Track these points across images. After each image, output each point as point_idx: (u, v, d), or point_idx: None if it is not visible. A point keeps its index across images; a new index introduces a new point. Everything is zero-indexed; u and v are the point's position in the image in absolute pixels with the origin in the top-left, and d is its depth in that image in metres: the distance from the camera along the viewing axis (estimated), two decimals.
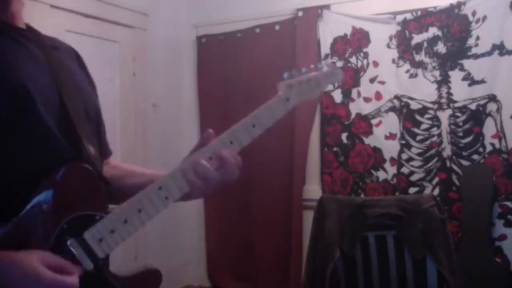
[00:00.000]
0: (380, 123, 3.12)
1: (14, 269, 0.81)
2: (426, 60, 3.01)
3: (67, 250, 0.88)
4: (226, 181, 0.99)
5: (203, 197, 1.02)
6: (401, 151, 3.06)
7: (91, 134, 1.02)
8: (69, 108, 0.96)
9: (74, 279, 0.84)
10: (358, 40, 3.19)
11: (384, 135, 3.11)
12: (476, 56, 2.87)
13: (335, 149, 3.25)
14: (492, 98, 2.84)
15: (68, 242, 0.88)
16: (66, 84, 0.99)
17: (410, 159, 3.04)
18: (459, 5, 2.91)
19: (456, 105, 2.92)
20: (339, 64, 3.24)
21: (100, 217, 0.92)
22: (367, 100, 3.16)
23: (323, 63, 1.15)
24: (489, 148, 2.83)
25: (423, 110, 3.01)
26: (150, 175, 1.08)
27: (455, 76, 2.93)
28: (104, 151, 1.13)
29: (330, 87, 3.25)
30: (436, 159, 2.97)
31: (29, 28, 1.05)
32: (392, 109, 3.09)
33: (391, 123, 3.09)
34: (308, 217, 2.95)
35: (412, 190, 3.02)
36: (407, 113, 3.05)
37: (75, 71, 1.08)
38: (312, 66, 1.12)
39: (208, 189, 0.98)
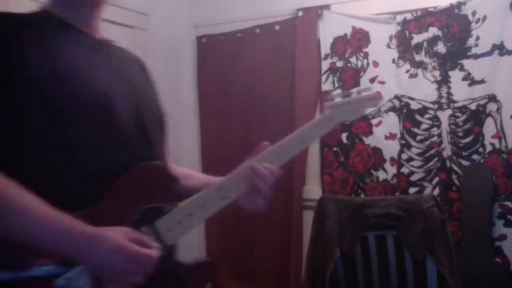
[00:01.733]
0: (380, 123, 3.12)
1: (100, 242, 0.91)
2: (426, 60, 3.01)
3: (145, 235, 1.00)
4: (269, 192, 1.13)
5: (258, 209, 1.14)
6: (401, 151, 3.06)
7: (160, 138, 1.15)
8: (143, 115, 1.09)
9: (154, 252, 0.96)
10: (358, 40, 3.19)
11: (384, 135, 3.11)
12: (476, 56, 2.87)
13: (335, 149, 3.25)
14: (492, 98, 2.84)
15: (143, 229, 1.01)
16: (139, 93, 1.12)
17: (410, 159, 3.04)
18: (459, 5, 2.91)
19: (456, 105, 2.92)
20: (339, 64, 3.24)
21: (169, 209, 1.05)
22: None
23: (365, 88, 1.23)
24: (489, 148, 2.83)
25: (423, 110, 3.01)
26: (202, 179, 1.23)
27: (455, 76, 2.93)
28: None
29: (329, 87, 3.26)
30: (436, 159, 2.97)
31: (108, 42, 1.18)
32: (392, 109, 3.09)
33: (391, 123, 3.09)
34: (308, 217, 2.95)
35: (412, 190, 3.01)
36: (407, 113, 3.05)
37: (143, 81, 1.22)
38: (354, 89, 1.21)
39: (264, 197, 1.13)
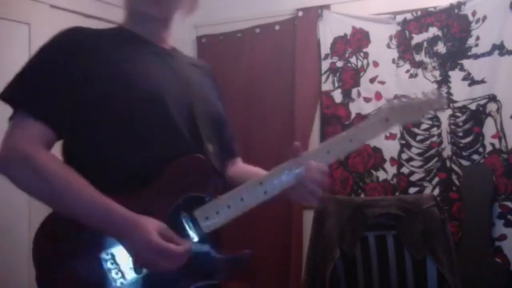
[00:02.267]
0: None
1: (133, 229, 1.01)
2: (426, 60, 3.01)
3: (180, 222, 1.10)
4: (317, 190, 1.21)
5: (303, 203, 1.17)
6: (401, 151, 3.06)
7: (212, 135, 1.23)
8: (195, 113, 1.19)
9: (181, 249, 1.03)
10: (358, 40, 3.19)
11: (384, 135, 3.10)
12: (476, 56, 2.87)
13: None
14: (492, 98, 2.84)
15: (182, 216, 1.09)
16: (195, 94, 1.23)
17: (410, 159, 3.04)
18: (459, 5, 2.91)
19: (456, 105, 2.92)
20: (339, 64, 3.24)
21: (209, 199, 1.13)
22: (367, 100, 3.15)
23: (430, 91, 1.26)
24: (489, 148, 2.83)
25: None
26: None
27: (455, 76, 2.92)
28: (230, 152, 1.37)
29: (329, 87, 3.26)
30: (436, 159, 2.97)
31: (174, 50, 1.31)
32: None
33: None
34: (308, 217, 2.95)
35: (412, 190, 3.01)
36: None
37: (205, 84, 1.33)
38: (420, 92, 1.24)
39: (314, 190, 1.21)
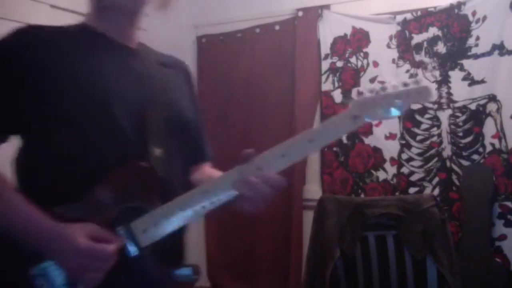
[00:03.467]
0: (380, 123, 3.12)
1: (59, 238, 0.96)
2: (426, 60, 3.00)
3: (117, 235, 1.01)
4: (265, 198, 1.03)
5: (249, 210, 1.07)
6: (401, 151, 3.06)
7: (165, 139, 1.12)
8: (147, 116, 1.09)
9: (110, 248, 0.96)
10: (358, 40, 3.19)
11: (384, 135, 3.11)
12: (476, 56, 2.87)
13: (335, 149, 3.24)
14: (492, 98, 2.84)
15: (117, 229, 1.00)
16: (153, 96, 1.13)
17: (410, 159, 3.04)
18: (459, 5, 2.91)
19: (456, 105, 2.92)
20: (339, 64, 3.24)
21: (148, 210, 1.03)
22: None
23: (411, 80, 1.07)
24: (489, 148, 2.83)
25: (423, 110, 3.01)
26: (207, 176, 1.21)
27: (455, 76, 2.92)
28: (196, 157, 1.28)
29: (329, 87, 3.26)
30: (436, 159, 2.97)
31: (142, 47, 1.23)
32: None
33: (391, 123, 3.09)
34: (308, 217, 2.95)
35: (412, 190, 3.01)
36: (407, 113, 3.05)
37: (171, 85, 1.22)
38: (392, 83, 1.06)
39: (257, 199, 1.03)
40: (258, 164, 1.03)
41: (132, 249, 1.01)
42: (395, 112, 1.03)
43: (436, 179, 2.96)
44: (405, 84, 1.06)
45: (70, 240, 0.95)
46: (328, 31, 3.27)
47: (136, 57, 1.18)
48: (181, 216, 1.03)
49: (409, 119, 3.04)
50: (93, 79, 1.07)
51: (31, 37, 1.09)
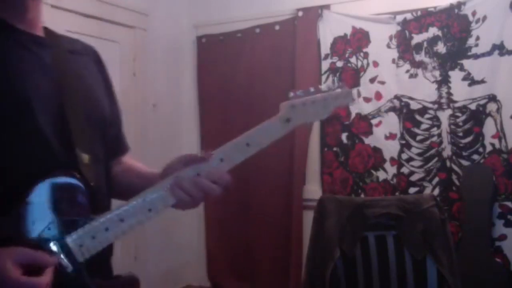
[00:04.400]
0: (380, 123, 3.12)
1: None
2: (426, 60, 3.01)
3: (49, 252, 0.92)
4: (208, 197, 1.03)
5: (185, 209, 1.06)
6: (401, 151, 3.06)
7: (91, 140, 1.05)
8: (68, 116, 1.00)
9: (44, 279, 0.86)
10: (358, 40, 3.19)
11: (384, 135, 3.11)
12: (476, 56, 2.87)
13: (335, 149, 3.25)
14: (492, 98, 2.84)
15: (50, 244, 0.93)
16: (71, 90, 1.03)
17: (410, 159, 3.04)
18: (459, 5, 2.91)
19: (456, 105, 2.92)
20: (339, 64, 3.24)
21: (83, 223, 0.96)
22: (367, 100, 3.16)
23: (332, 84, 1.10)
24: (489, 148, 2.83)
25: (423, 110, 3.01)
26: (143, 176, 1.16)
27: (455, 76, 2.93)
28: (117, 149, 1.20)
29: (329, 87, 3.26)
30: (436, 159, 2.97)
31: (48, 34, 1.09)
32: (392, 109, 3.09)
33: (391, 123, 3.09)
34: (308, 217, 2.95)
35: (412, 190, 3.02)
36: (407, 113, 3.05)
37: (86, 76, 1.11)
38: (320, 86, 1.09)
39: (193, 203, 1.03)
40: (197, 169, 1.02)
41: (69, 265, 0.94)
42: (324, 114, 1.07)
43: (436, 179, 2.96)
44: (330, 88, 1.09)
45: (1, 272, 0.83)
46: (328, 31, 3.27)
47: (46, 48, 1.05)
48: (119, 227, 0.99)
49: (409, 119, 3.04)
50: (12, 82, 0.96)
51: None
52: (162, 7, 3.64)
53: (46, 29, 1.10)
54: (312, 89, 1.08)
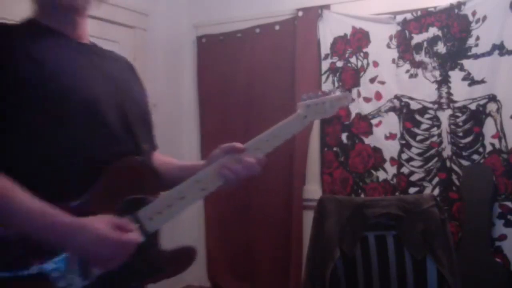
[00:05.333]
0: (380, 123, 3.12)
1: (85, 232, 1.00)
2: (426, 60, 3.01)
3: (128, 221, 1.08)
4: (250, 175, 1.20)
5: (232, 188, 1.22)
6: (401, 151, 3.06)
7: (145, 133, 1.25)
8: (128, 113, 1.18)
9: (135, 236, 1.05)
10: (358, 40, 3.19)
11: (384, 135, 3.11)
12: (476, 56, 2.87)
13: (335, 149, 3.25)
14: (492, 98, 2.84)
15: (126, 217, 1.08)
16: (124, 92, 1.21)
17: (410, 159, 3.04)
18: (459, 5, 2.91)
19: (456, 105, 2.92)
20: (339, 64, 3.24)
21: (151, 200, 1.13)
22: (367, 100, 3.16)
23: (335, 89, 1.37)
24: (489, 148, 2.83)
25: (423, 110, 3.01)
26: (184, 168, 1.32)
27: (455, 76, 2.93)
28: (152, 145, 1.36)
29: (329, 87, 3.26)
30: (436, 159, 2.97)
31: (94, 44, 1.26)
32: (392, 109, 3.09)
33: (391, 123, 3.09)
34: (308, 217, 2.95)
35: (412, 190, 3.02)
36: (407, 113, 3.05)
37: (130, 79, 1.31)
38: (326, 90, 1.35)
39: (237, 181, 1.19)
40: (238, 156, 1.21)
41: (141, 236, 1.09)
42: (331, 112, 1.33)
43: (436, 179, 2.96)
44: (331, 91, 1.35)
45: (97, 232, 0.99)
46: (328, 31, 3.27)
47: (96, 55, 1.23)
48: (180, 204, 1.15)
49: (409, 119, 3.04)
50: (81, 84, 1.10)
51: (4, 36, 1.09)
52: (162, 7, 3.64)
53: (91, 41, 1.26)
54: (319, 93, 1.32)
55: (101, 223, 1.01)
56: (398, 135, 3.07)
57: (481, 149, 2.85)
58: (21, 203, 0.98)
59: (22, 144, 1.05)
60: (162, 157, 1.40)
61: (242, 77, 3.55)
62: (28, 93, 1.04)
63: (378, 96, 3.13)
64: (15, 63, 1.05)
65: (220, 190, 1.21)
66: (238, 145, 1.23)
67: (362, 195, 3.13)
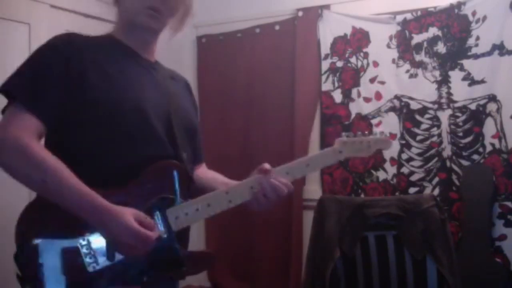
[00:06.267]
0: (380, 123, 3.12)
1: (114, 216, 1.12)
2: (426, 60, 3.01)
3: (153, 218, 1.21)
4: (276, 196, 1.36)
5: (259, 211, 1.37)
6: (401, 151, 3.06)
7: (186, 144, 1.37)
8: (172, 122, 1.32)
9: (153, 234, 1.15)
10: (358, 40, 3.19)
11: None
12: (476, 56, 2.87)
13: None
14: (492, 98, 2.84)
15: (155, 213, 1.23)
16: (173, 105, 1.35)
17: (410, 159, 3.04)
18: (459, 5, 2.91)
19: (456, 105, 2.92)
20: (339, 64, 3.24)
21: (181, 201, 1.26)
22: (367, 100, 3.16)
23: (377, 131, 1.51)
24: (489, 148, 2.83)
25: (423, 110, 3.01)
26: (225, 184, 1.42)
27: (455, 76, 2.93)
28: (197, 158, 1.49)
29: (329, 87, 3.26)
30: (436, 159, 2.97)
31: (157, 63, 1.45)
32: (392, 109, 3.09)
33: (391, 123, 3.09)
34: (308, 217, 2.95)
35: (412, 190, 3.01)
36: (407, 113, 3.05)
37: (182, 96, 1.47)
38: (366, 132, 1.49)
39: (265, 204, 1.36)
40: (270, 177, 1.33)
41: (164, 231, 1.22)
42: (368, 153, 1.45)
43: (436, 179, 2.96)
44: (374, 134, 1.50)
45: (123, 220, 1.12)
46: (328, 31, 3.27)
47: (157, 72, 1.40)
48: (206, 210, 1.28)
49: (409, 119, 3.04)
50: (135, 92, 1.27)
51: (75, 42, 1.26)
52: None
53: (156, 60, 1.45)
54: (359, 133, 1.49)
55: (129, 214, 1.13)
56: (398, 135, 3.07)
57: (481, 149, 2.85)
58: (69, 180, 1.13)
59: (74, 140, 1.22)
60: (208, 171, 1.55)
61: (242, 77, 3.55)
62: (90, 94, 1.21)
63: (378, 96, 3.13)
64: (83, 66, 1.21)
65: (250, 209, 1.34)
66: (267, 166, 1.34)
67: (362, 195, 3.13)
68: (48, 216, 1.15)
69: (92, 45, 1.29)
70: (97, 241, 1.15)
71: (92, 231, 1.15)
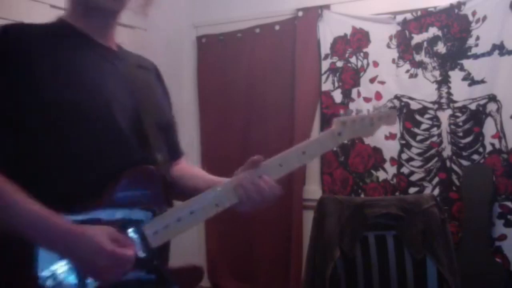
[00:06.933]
0: None
1: (82, 240, 0.96)
2: (426, 60, 3.01)
3: (128, 236, 1.04)
4: (266, 202, 1.14)
5: (248, 212, 1.15)
6: (401, 151, 3.06)
7: (160, 142, 1.18)
8: (143, 121, 1.13)
9: (131, 252, 1.00)
10: (358, 40, 3.19)
11: (384, 135, 3.11)
12: (476, 56, 2.87)
13: (335, 149, 3.24)
14: (492, 98, 2.84)
15: (129, 230, 1.04)
16: (142, 97, 1.16)
17: (410, 159, 3.04)
18: (459, 5, 2.91)
19: (456, 105, 2.92)
20: (339, 64, 3.24)
21: (158, 212, 1.08)
22: (367, 100, 3.16)
23: (381, 105, 1.27)
24: (489, 148, 2.83)
25: (423, 110, 3.01)
26: (208, 181, 1.23)
27: (455, 76, 2.93)
28: (174, 153, 1.31)
29: (329, 87, 3.26)
30: (436, 159, 2.97)
31: (120, 49, 1.24)
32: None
33: None
34: (308, 217, 2.95)
35: (412, 190, 3.02)
36: (407, 113, 3.05)
37: (152, 86, 1.27)
38: (368, 108, 1.25)
39: (253, 205, 1.13)
40: (259, 172, 1.13)
41: (142, 250, 1.04)
42: (371, 131, 1.24)
43: (436, 179, 2.96)
44: (376, 109, 1.27)
45: (94, 242, 0.96)
46: (328, 31, 3.27)
47: (120, 60, 1.19)
48: (189, 219, 1.09)
49: (409, 119, 3.04)
50: (96, 89, 1.08)
51: (16, 36, 1.06)
52: (162, 7, 3.63)
53: (118, 46, 1.24)
54: (361, 110, 1.26)
55: (100, 234, 0.97)
56: (398, 135, 3.07)
57: (481, 149, 2.85)
58: (18, 204, 0.95)
59: (29, 146, 1.02)
60: (187, 167, 1.34)
61: (242, 77, 3.55)
62: (39, 94, 1.01)
63: (378, 96, 3.13)
64: (31, 62, 1.03)
65: (237, 211, 1.14)
66: (256, 158, 1.14)
67: (362, 195, 3.13)
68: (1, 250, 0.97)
69: (39, 34, 1.09)
70: (65, 269, 0.98)
71: (56, 258, 0.97)
